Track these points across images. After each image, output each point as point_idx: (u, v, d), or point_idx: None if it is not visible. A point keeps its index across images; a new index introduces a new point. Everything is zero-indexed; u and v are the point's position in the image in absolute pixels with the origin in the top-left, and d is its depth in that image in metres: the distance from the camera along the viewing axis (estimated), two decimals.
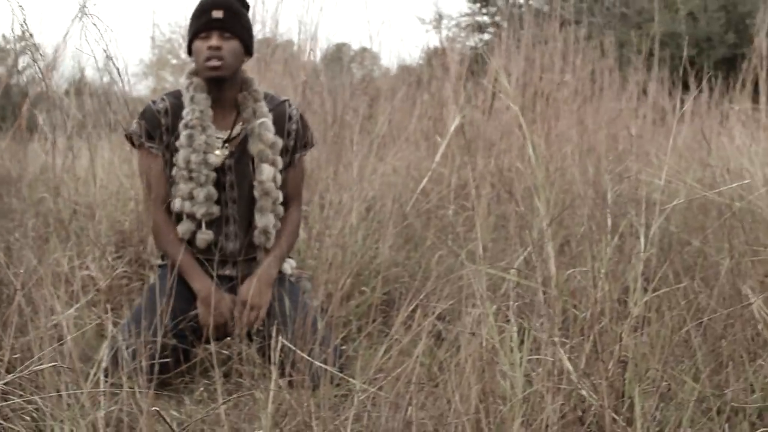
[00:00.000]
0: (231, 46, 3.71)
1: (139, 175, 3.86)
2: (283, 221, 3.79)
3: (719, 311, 3.32)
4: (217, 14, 3.69)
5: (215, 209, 3.69)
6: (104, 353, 3.14)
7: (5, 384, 2.88)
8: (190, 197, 3.68)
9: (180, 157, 3.67)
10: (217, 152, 3.70)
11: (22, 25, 3.47)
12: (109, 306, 3.99)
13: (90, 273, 4.26)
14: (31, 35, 3.86)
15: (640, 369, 2.94)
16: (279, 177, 3.74)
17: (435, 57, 7.42)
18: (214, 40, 3.68)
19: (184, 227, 3.67)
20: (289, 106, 3.85)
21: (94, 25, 3.82)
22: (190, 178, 3.68)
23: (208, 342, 3.50)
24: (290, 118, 3.81)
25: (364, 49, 10.81)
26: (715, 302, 3.41)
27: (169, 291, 3.34)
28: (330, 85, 6.45)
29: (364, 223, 4.45)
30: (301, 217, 3.91)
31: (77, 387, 2.88)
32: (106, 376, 3.01)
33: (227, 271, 3.72)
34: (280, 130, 3.77)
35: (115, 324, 3.57)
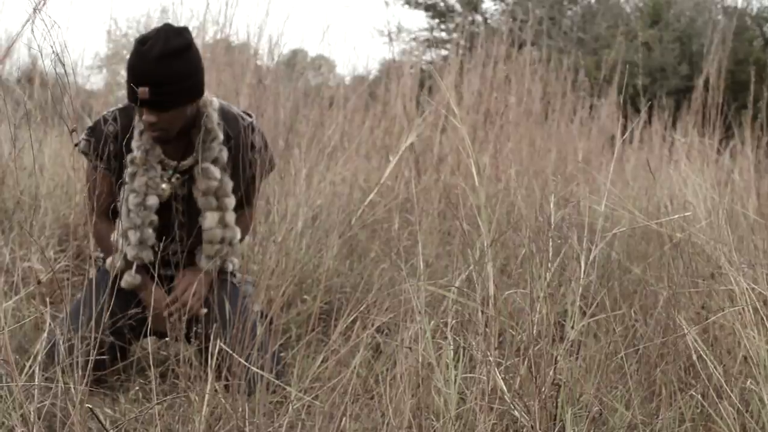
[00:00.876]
0: (167, 117, 3.54)
1: (87, 190, 3.77)
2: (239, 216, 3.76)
3: (655, 340, 3.37)
4: (143, 94, 3.45)
5: (146, 255, 3.63)
6: (41, 346, 3.12)
7: None
8: (125, 236, 3.63)
9: (123, 192, 3.62)
10: (164, 186, 3.61)
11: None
12: (48, 299, 3.98)
13: (31, 265, 4.24)
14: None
15: (574, 393, 2.97)
16: (231, 215, 3.70)
17: (390, 70, 7.44)
18: (147, 116, 3.52)
19: (116, 262, 3.61)
20: (252, 130, 3.73)
21: (49, 16, 3.76)
22: (129, 217, 3.64)
23: (149, 335, 3.51)
24: (253, 146, 3.72)
25: (320, 57, 10.82)
26: (651, 331, 3.45)
27: (110, 288, 3.33)
28: (283, 91, 6.45)
29: (309, 231, 4.46)
30: (251, 221, 3.89)
31: (11, 379, 2.87)
32: (41, 369, 3.00)
33: (169, 272, 3.70)
34: (239, 158, 3.69)
35: (54, 318, 3.56)
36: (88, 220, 3.72)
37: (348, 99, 6.64)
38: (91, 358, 3.21)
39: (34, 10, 4.00)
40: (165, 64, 3.46)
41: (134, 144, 3.61)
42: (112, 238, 3.65)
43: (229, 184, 3.67)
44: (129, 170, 3.60)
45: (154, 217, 3.62)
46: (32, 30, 4.09)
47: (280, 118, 5.83)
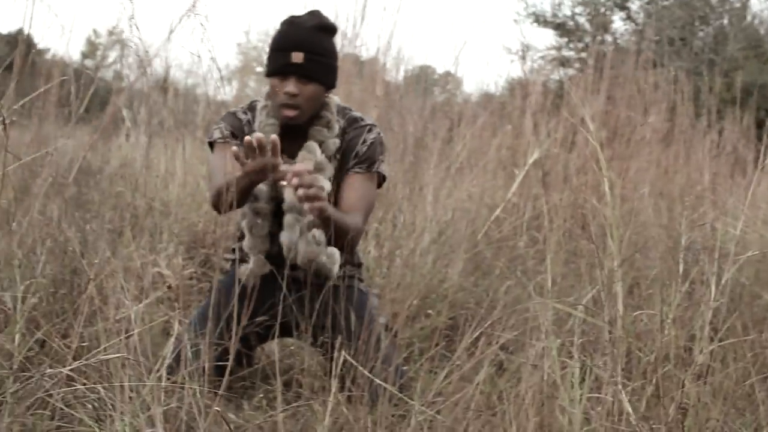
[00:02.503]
0: (309, 91, 3.52)
1: (210, 170, 3.76)
2: None
3: None
4: (297, 58, 3.48)
5: (260, 244, 3.62)
6: (168, 350, 3.17)
7: (71, 371, 2.93)
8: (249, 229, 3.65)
9: None
10: (283, 182, 3.57)
11: (130, 22, 3.50)
12: (177, 304, 4.04)
13: (160, 270, 4.31)
14: (137, 29, 3.87)
15: (701, 418, 2.92)
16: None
17: (518, 87, 7.42)
18: (291, 86, 3.50)
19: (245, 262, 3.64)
20: (369, 130, 3.67)
21: (201, 25, 3.78)
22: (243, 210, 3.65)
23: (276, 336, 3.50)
24: (364, 141, 3.65)
25: (447, 73, 10.83)
26: None
27: (238, 293, 3.35)
28: (411, 106, 6.47)
29: (435, 246, 4.45)
30: (360, 228, 3.62)
31: (140, 381, 2.92)
32: (168, 373, 3.05)
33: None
34: (348, 154, 3.63)
35: (181, 323, 3.61)
36: (210, 197, 3.61)
37: (476, 116, 6.63)
38: (218, 363, 3.28)
39: (170, 31, 4.06)
40: (320, 36, 3.54)
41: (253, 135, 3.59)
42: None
43: (329, 169, 3.59)
44: None
45: (264, 206, 3.61)
46: (191, 35, 4.15)
47: (408, 133, 5.85)
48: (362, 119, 3.70)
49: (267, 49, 3.69)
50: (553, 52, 15.69)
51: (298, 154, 3.57)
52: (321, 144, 3.59)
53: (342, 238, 3.51)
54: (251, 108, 3.70)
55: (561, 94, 7.44)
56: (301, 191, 3.20)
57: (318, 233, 3.54)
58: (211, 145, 3.72)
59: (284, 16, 3.60)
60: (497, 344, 3.20)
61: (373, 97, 6.12)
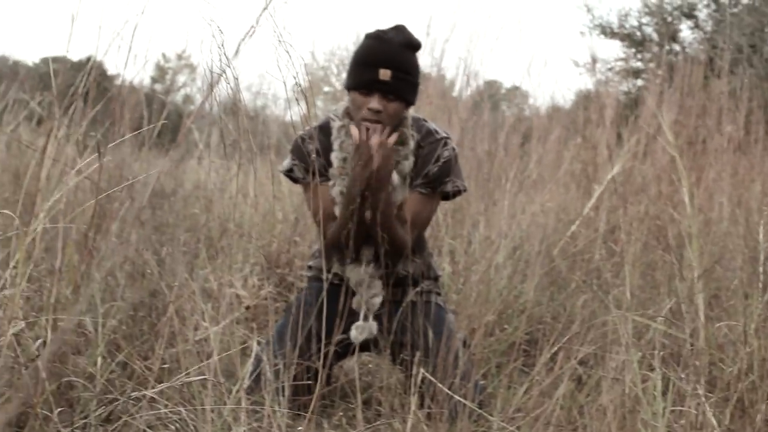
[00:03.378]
0: (393, 108, 3.49)
1: (309, 211, 3.79)
2: None
3: None
4: (384, 76, 3.45)
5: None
6: (247, 371, 3.18)
7: (154, 393, 2.96)
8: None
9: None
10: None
11: (219, 47, 3.52)
12: (254, 325, 4.06)
13: (236, 291, 4.34)
14: (224, 48, 3.89)
15: None
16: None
17: (587, 100, 7.37)
18: (376, 103, 3.47)
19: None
20: (444, 145, 3.64)
21: (287, 52, 3.78)
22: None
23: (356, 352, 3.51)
24: (437, 159, 3.61)
25: (515, 88, 10.81)
26: None
27: (315, 312, 3.36)
28: (481, 122, 6.46)
29: (510, 261, 4.44)
30: (406, 243, 3.58)
31: (221, 402, 2.94)
32: (248, 393, 3.07)
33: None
34: (422, 169, 3.61)
35: (259, 343, 3.63)
36: (321, 242, 3.61)
37: (546, 130, 6.61)
38: (297, 383, 3.29)
39: (236, 52, 4.09)
40: (407, 54, 3.51)
41: (333, 155, 3.60)
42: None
43: (400, 195, 3.58)
44: (330, 182, 3.61)
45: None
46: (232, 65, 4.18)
47: (479, 149, 5.84)
48: (437, 131, 3.68)
49: (334, 70, 3.70)
50: (621, 64, 15.58)
51: None
52: (397, 165, 3.57)
53: (395, 243, 3.54)
54: (323, 128, 3.69)
55: (630, 105, 7.38)
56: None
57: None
58: (288, 176, 3.75)
59: (353, 35, 3.61)
60: (576, 358, 3.18)
61: (444, 113, 6.12)
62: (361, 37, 3.65)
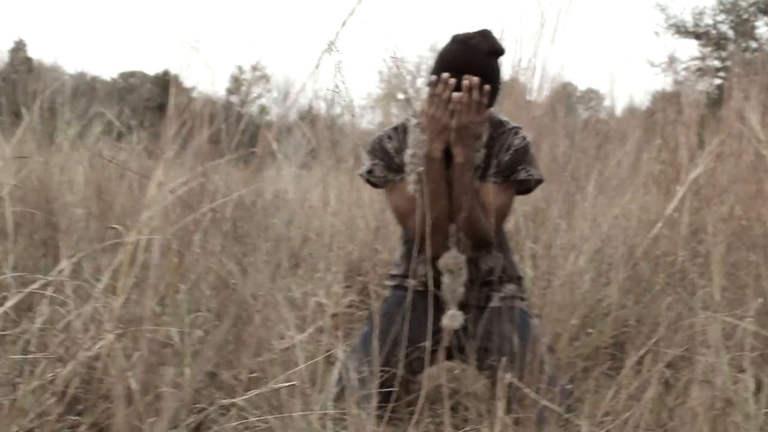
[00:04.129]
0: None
1: (393, 212, 3.83)
2: None
3: None
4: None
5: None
6: (333, 379, 3.19)
7: (242, 401, 2.98)
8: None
9: None
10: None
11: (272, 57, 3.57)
12: (339, 333, 4.07)
13: (319, 300, 4.35)
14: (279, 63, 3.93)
15: None
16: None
17: (665, 100, 7.29)
18: None
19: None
20: (515, 134, 3.65)
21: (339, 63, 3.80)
22: None
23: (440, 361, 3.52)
24: (509, 147, 3.63)
25: (590, 90, 10.74)
26: None
27: (399, 319, 3.36)
28: (557, 125, 6.43)
29: (592, 264, 4.41)
30: (490, 232, 3.59)
31: (308, 410, 2.95)
32: (334, 401, 3.08)
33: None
34: (495, 155, 3.63)
35: (343, 351, 3.64)
36: (416, 233, 3.53)
37: (623, 131, 6.55)
38: (384, 390, 3.29)
39: (316, 66, 4.10)
40: (492, 62, 3.51)
41: (406, 152, 3.60)
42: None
43: (475, 184, 3.59)
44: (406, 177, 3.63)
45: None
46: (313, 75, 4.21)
47: (558, 152, 5.81)
48: (507, 122, 3.69)
49: (407, 77, 3.70)
50: (698, 62, 15.42)
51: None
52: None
53: (476, 228, 3.54)
54: (399, 129, 3.72)
55: (710, 104, 7.28)
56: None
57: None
58: (369, 178, 3.77)
59: (426, 42, 3.62)
60: (664, 361, 3.15)
61: (524, 120, 6.09)
62: (436, 44, 3.68)
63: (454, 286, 3.60)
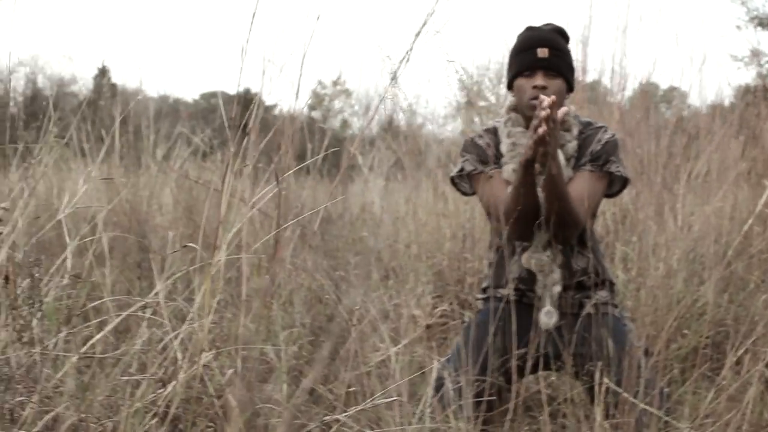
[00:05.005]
0: (556, 84, 3.63)
1: (483, 207, 3.83)
2: None
3: None
4: (542, 53, 3.63)
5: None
6: (430, 390, 3.19)
7: (341, 417, 2.99)
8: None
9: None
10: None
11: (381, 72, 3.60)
12: (434, 344, 4.08)
13: (411, 311, 4.36)
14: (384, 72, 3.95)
15: None
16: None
17: (750, 95, 7.19)
18: (539, 80, 3.62)
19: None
20: (605, 131, 3.71)
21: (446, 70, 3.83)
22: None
23: (533, 371, 3.51)
24: (599, 141, 3.67)
25: (672, 88, 10.61)
26: None
27: (494, 329, 3.35)
28: (642, 125, 6.37)
29: (685, 264, 4.36)
30: (580, 219, 3.55)
31: (406, 423, 2.96)
32: (432, 412, 3.07)
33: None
34: (585, 148, 3.67)
35: (438, 362, 3.63)
36: (503, 229, 3.57)
37: (710, 128, 6.47)
38: (481, 399, 3.29)
39: (393, 77, 4.11)
40: (559, 38, 3.71)
41: (503, 144, 3.71)
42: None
43: (567, 172, 3.62)
44: (502, 168, 3.67)
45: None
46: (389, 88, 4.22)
47: (644, 152, 5.76)
48: (596, 123, 3.77)
49: (488, 84, 3.72)
50: None
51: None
52: (561, 147, 3.63)
53: (567, 214, 3.51)
54: (491, 132, 3.77)
55: None
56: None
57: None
58: (462, 177, 3.78)
59: (504, 48, 3.72)
60: (764, 360, 3.11)
61: (607, 120, 6.05)
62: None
63: (546, 282, 3.61)
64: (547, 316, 3.57)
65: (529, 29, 3.74)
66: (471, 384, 3.16)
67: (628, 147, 5.82)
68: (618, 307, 3.76)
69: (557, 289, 3.61)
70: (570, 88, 3.72)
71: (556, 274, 3.62)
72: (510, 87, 3.77)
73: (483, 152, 3.73)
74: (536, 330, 3.49)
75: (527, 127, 3.65)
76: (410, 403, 3.09)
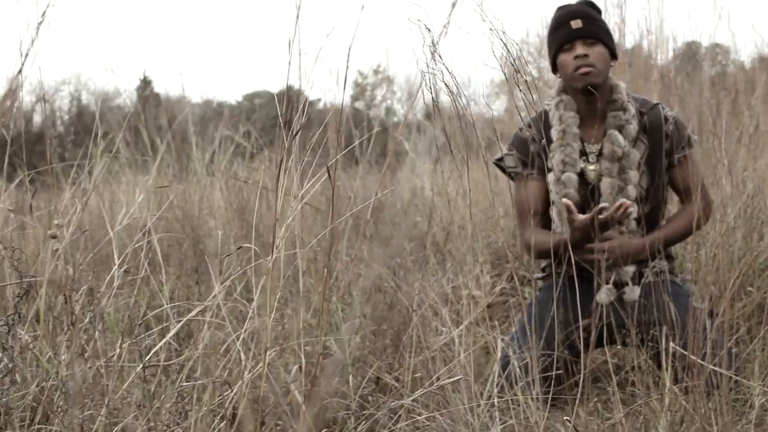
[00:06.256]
0: (597, 51, 3.67)
1: (514, 205, 3.89)
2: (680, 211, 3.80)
3: None
4: (576, 24, 3.68)
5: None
6: (496, 369, 3.18)
7: (409, 402, 2.99)
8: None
9: (549, 179, 3.73)
10: (591, 167, 3.68)
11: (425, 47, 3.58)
12: (496, 323, 4.06)
13: (471, 292, 4.35)
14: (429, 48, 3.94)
15: None
16: (632, 190, 3.66)
17: None
18: (580, 49, 3.66)
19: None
20: (663, 108, 3.76)
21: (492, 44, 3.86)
22: (552, 198, 3.73)
23: (598, 345, 3.51)
24: (666, 120, 3.72)
25: (715, 45, 10.50)
26: None
27: (557, 302, 3.34)
28: (686, 85, 6.31)
29: (741, 220, 4.31)
30: (698, 212, 3.70)
31: (473, 403, 2.95)
32: (500, 391, 3.07)
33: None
34: (656, 133, 3.71)
35: (502, 340, 3.62)
36: (519, 240, 3.87)
37: (755, 82, 6.38)
38: (548, 374, 3.28)
39: (433, 52, 4.10)
40: (590, 9, 3.76)
41: (553, 130, 3.76)
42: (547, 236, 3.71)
43: (635, 155, 3.69)
44: (550, 155, 3.73)
45: (572, 192, 3.65)
46: (429, 70, 4.21)
47: (690, 112, 5.70)
48: (650, 100, 3.83)
49: (529, 58, 3.74)
50: None
51: (604, 147, 3.69)
52: (621, 129, 3.70)
53: (687, 237, 3.79)
54: (540, 118, 3.79)
55: None
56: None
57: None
58: (502, 168, 3.88)
59: (542, 20, 3.76)
60: None
61: (648, 83, 6.01)
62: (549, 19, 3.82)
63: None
64: (607, 294, 3.57)
65: (560, 8, 3.78)
66: (537, 360, 3.15)
67: (674, 107, 5.76)
68: (677, 274, 3.76)
69: (631, 268, 3.62)
70: (614, 55, 3.75)
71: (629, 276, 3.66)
72: (554, 69, 3.82)
73: (526, 149, 3.78)
74: (596, 304, 3.48)
75: (579, 107, 3.72)
76: (477, 383, 3.09)
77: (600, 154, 3.69)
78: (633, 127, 3.70)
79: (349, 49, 2.90)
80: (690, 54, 9.15)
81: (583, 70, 3.65)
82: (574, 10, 3.73)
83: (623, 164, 3.67)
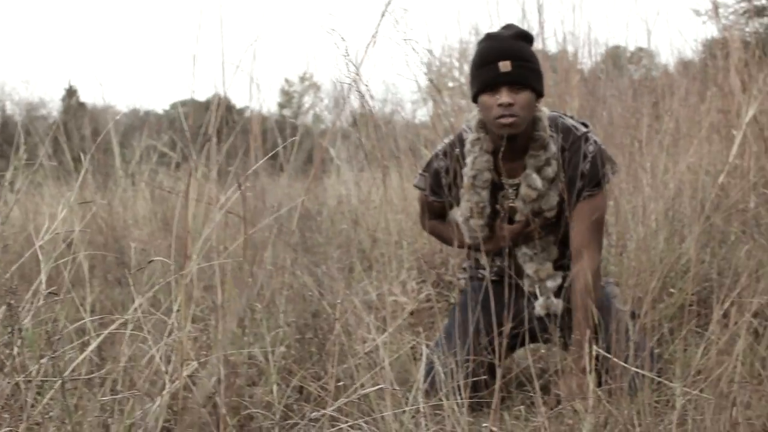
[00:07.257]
0: (523, 98, 3.46)
1: (419, 221, 4.00)
2: (573, 280, 3.54)
3: None
4: (504, 66, 3.45)
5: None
6: (421, 375, 3.18)
7: (333, 411, 2.98)
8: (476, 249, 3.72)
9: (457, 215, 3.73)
10: (508, 201, 3.62)
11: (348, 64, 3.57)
12: (420, 329, 4.06)
13: (396, 298, 4.35)
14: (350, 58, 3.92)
15: None
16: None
17: (715, 47, 7.18)
18: (504, 97, 3.45)
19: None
20: (586, 140, 3.57)
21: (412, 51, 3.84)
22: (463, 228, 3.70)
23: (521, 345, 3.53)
24: (585, 156, 3.54)
25: (640, 49, 10.60)
26: None
27: (478, 306, 3.35)
28: (610, 89, 6.36)
29: (663, 223, 4.35)
30: (594, 266, 3.53)
31: (399, 410, 2.95)
32: (425, 397, 3.07)
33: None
34: (574, 171, 3.55)
35: (427, 346, 3.62)
36: (423, 227, 4.00)
37: (677, 85, 6.45)
38: (472, 379, 3.28)
39: (361, 60, 4.10)
40: (521, 44, 3.52)
41: (465, 171, 3.62)
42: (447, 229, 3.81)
43: (553, 198, 3.57)
44: (460, 191, 3.64)
45: (480, 235, 3.63)
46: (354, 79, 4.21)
47: (613, 116, 5.75)
48: (575, 128, 3.62)
49: (455, 63, 3.73)
50: (744, 5, 15.18)
51: (521, 189, 3.58)
52: (540, 170, 3.56)
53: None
54: (456, 143, 3.70)
55: (761, 44, 7.15)
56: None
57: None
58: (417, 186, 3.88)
59: (468, 28, 3.67)
60: (750, 311, 3.10)
61: (570, 87, 6.04)
62: (477, 26, 3.71)
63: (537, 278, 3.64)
64: (542, 308, 3.58)
65: (489, 38, 3.58)
66: (461, 365, 3.15)
67: (597, 111, 5.81)
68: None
69: (550, 284, 3.62)
70: (540, 95, 3.56)
71: (549, 270, 3.63)
72: (475, 100, 3.60)
73: (438, 180, 3.72)
74: (523, 306, 3.50)
75: (494, 149, 3.58)
76: (402, 390, 3.08)
77: (518, 190, 3.60)
78: (552, 168, 3.56)
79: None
80: (615, 57, 9.22)
81: (505, 120, 3.46)
82: (504, 48, 3.49)
83: (540, 205, 3.58)
